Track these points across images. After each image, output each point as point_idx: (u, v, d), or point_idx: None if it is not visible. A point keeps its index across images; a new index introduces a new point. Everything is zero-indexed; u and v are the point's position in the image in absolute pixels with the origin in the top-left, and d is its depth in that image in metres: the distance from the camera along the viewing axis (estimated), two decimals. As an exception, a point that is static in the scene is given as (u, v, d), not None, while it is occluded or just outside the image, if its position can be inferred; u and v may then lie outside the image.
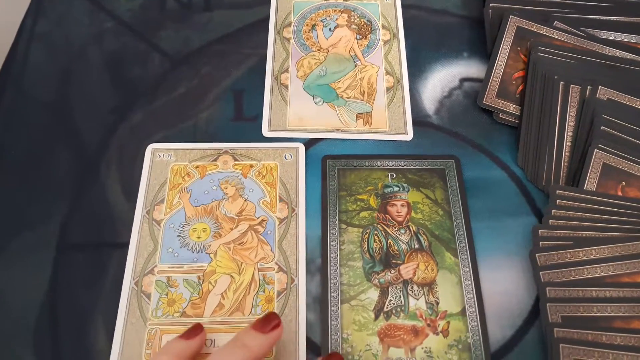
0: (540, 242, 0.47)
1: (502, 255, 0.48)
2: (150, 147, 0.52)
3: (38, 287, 0.46)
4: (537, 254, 0.46)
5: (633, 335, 0.43)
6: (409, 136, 0.54)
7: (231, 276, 0.46)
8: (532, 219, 0.50)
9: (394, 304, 0.46)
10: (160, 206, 0.49)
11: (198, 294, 0.45)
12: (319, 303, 0.45)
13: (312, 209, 0.50)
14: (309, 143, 0.53)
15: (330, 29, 0.61)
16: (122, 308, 0.44)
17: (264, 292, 0.45)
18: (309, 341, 0.44)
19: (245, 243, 0.47)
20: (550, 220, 0.48)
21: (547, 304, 0.44)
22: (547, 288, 0.45)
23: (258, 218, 0.49)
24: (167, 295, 0.45)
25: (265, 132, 0.54)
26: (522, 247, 0.48)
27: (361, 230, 0.49)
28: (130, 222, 0.48)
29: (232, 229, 0.48)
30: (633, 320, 0.43)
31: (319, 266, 0.47)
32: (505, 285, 0.47)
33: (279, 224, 0.48)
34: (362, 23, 0.61)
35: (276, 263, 0.46)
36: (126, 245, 0.47)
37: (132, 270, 0.46)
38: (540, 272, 0.45)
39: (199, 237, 0.47)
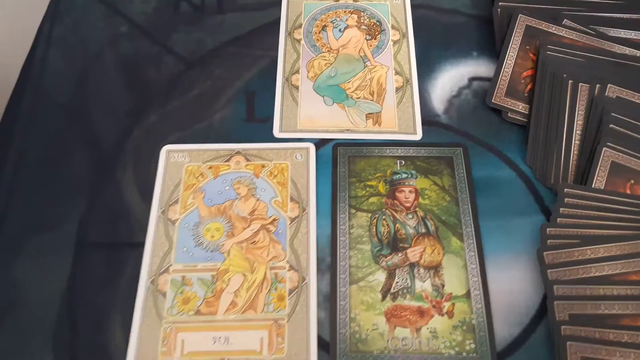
0: (548, 241, 0.47)
1: (510, 253, 0.49)
2: (165, 149, 0.53)
3: (57, 285, 0.47)
4: (544, 252, 0.47)
5: (640, 332, 0.43)
6: (418, 135, 0.55)
7: (244, 275, 0.47)
8: (540, 217, 0.50)
9: (400, 285, 0.47)
10: (175, 206, 0.50)
11: (212, 293, 0.46)
12: (329, 283, 0.47)
13: (323, 209, 0.51)
14: (319, 143, 0.54)
15: (340, 30, 0.61)
16: (139, 306, 0.46)
17: (275, 290, 0.46)
18: (319, 339, 0.45)
19: (257, 242, 0.48)
20: (558, 219, 0.48)
21: (555, 302, 0.44)
22: (555, 286, 0.45)
23: (270, 217, 0.50)
24: (182, 293, 0.46)
25: (277, 132, 0.55)
26: (530, 245, 0.48)
27: (370, 215, 0.50)
28: (146, 222, 0.49)
29: (244, 229, 0.49)
30: (640, 318, 0.44)
31: (329, 264, 0.48)
32: (512, 284, 0.47)
33: (290, 224, 0.49)
34: (372, 23, 0.62)
35: (287, 262, 0.48)
36: (142, 244, 0.48)
37: (148, 269, 0.47)
38: (548, 271, 0.46)
39: (212, 237, 0.49)
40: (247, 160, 0.53)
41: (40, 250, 0.49)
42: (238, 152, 0.53)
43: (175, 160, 0.53)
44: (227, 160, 0.53)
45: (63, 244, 0.49)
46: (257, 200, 0.51)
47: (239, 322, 0.45)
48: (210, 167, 0.52)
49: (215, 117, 0.56)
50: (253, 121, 0.56)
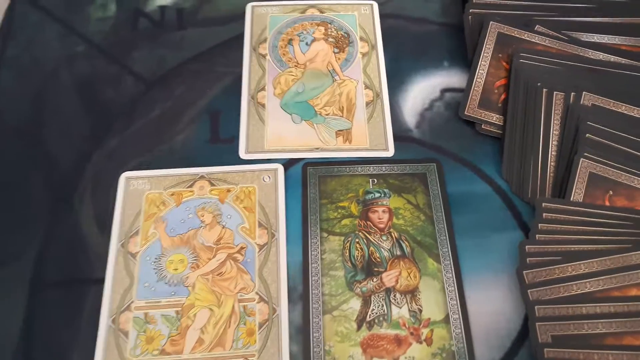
0: (528, 259, 0.45)
1: (489, 273, 0.47)
2: (124, 176, 0.50)
3: (11, 327, 0.44)
4: (524, 271, 0.45)
5: (625, 352, 0.41)
6: (390, 152, 0.53)
7: (210, 309, 0.44)
8: (518, 233, 0.49)
9: (376, 313, 0.45)
10: (135, 238, 0.47)
11: (177, 330, 0.44)
12: (301, 314, 0.45)
13: (293, 234, 0.48)
14: (288, 164, 0.52)
15: (307, 44, 0.59)
16: (100, 347, 0.43)
17: (245, 324, 0.44)
18: (292, 374, 0.43)
19: (224, 273, 0.46)
20: (537, 235, 0.46)
21: (537, 324, 0.43)
22: (536, 307, 0.43)
23: (237, 246, 0.47)
24: (145, 332, 0.44)
25: (243, 154, 0.52)
26: (509, 264, 0.47)
27: (342, 238, 0.48)
28: (105, 255, 0.47)
29: (210, 259, 0.47)
30: (625, 336, 0.42)
31: (301, 294, 0.46)
32: (492, 305, 0.45)
33: (259, 251, 0.47)
34: (340, 36, 0.60)
35: (257, 293, 0.45)
36: (101, 280, 0.46)
37: (108, 307, 0.44)
38: (528, 290, 0.44)
39: (175, 269, 0.46)
40: (212, 184, 0.50)
41: (-7, 290, 0.46)
42: (202, 177, 0.51)
43: (134, 187, 0.50)
44: (190, 186, 0.50)
45: (17, 282, 0.46)
46: (223, 227, 0.48)
47: (206, 361, 0.43)
48: (172, 194, 0.50)
49: (178, 139, 0.53)
50: (217, 142, 0.53)
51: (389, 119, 0.54)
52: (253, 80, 0.57)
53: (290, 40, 0.59)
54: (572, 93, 0.51)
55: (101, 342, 0.43)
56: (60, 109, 0.56)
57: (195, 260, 0.46)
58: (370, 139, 0.53)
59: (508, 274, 0.46)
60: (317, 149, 0.53)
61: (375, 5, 0.62)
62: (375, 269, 0.47)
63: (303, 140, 0.53)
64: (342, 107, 0.55)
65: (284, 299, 0.45)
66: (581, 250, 0.45)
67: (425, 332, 0.44)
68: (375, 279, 0.46)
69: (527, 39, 0.56)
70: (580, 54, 0.55)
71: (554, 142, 0.51)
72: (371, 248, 0.48)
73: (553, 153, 0.50)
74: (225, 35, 0.60)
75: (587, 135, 0.49)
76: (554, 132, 0.51)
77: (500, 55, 0.56)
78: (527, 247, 0.46)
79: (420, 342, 0.44)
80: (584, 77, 0.53)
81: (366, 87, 0.56)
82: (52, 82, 0.58)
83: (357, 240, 0.48)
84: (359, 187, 0.51)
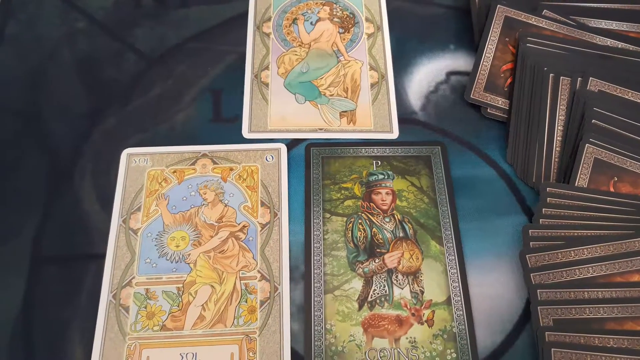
0: (531, 243, 0.45)
1: (492, 256, 0.47)
2: (126, 152, 0.50)
3: (11, 303, 0.44)
4: (527, 255, 0.45)
5: (626, 337, 0.41)
6: (395, 134, 0.52)
7: (212, 286, 0.44)
8: (522, 218, 0.48)
9: (378, 293, 0.45)
10: (137, 214, 0.47)
11: (178, 306, 0.43)
12: (303, 293, 0.45)
13: (295, 214, 0.48)
14: (291, 144, 0.51)
15: (311, 23, 0.58)
16: (100, 323, 0.43)
17: (246, 302, 0.44)
18: (293, 353, 0.42)
19: (226, 251, 0.46)
20: (541, 219, 0.46)
21: (538, 307, 0.43)
22: (538, 290, 0.43)
23: (239, 224, 0.47)
24: (146, 308, 0.43)
25: (246, 133, 0.52)
26: (512, 248, 0.47)
27: (345, 219, 0.48)
28: (106, 232, 0.46)
29: (212, 237, 0.46)
30: (626, 322, 0.42)
31: (303, 273, 0.45)
32: (494, 289, 0.45)
33: (261, 230, 0.47)
34: (345, 16, 0.59)
35: (259, 271, 0.45)
36: (102, 256, 0.45)
37: (109, 283, 0.44)
38: (531, 274, 0.44)
39: (177, 246, 0.46)
40: (214, 163, 0.50)
41: (-7, 265, 0.46)
42: (204, 155, 0.50)
43: (136, 164, 0.49)
44: (193, 164, 0.50)
45: (17, 258, 0.46)
46: (225, 206, 0.48)
47: (207, 337, 0.43)
48: (174, 172, 0.49)
49: (179, 118, 0.53)
50: (220, 121, 0.53)
51: (394, 101, 0.54)
52: (256, 59, 0.56)
53: (295, 19, 0.59)
54: (579, 78, 0.51)
55: (101, 317, 0.43)
56: (61, 86, 0.55)
57: (197, 237, 0.46)
58: (375, 120, 0.53)
59: (511, 257, 0.46)
60: (321, 129, 0.52)
61: (382, -13, 0.61)
62: (378, 250, 0.47)
63: (306, 120, 0.53)
64: (347, 88, 0.54)
65: (286, 278, 0.45)
66: (584, 235, 0.45)
67: (426, 313, 0.44)
68: (377, 260, 0.46)
69: (535, 23, 0.56)
70: (588, 39, 0.55)
71: (559, 127, 0.50)
72: (374, 229, 0.47)
73: (558, 138, 0.50)
74: (228, 13, 0.60)
75: (593, 121, 0.49)
76: (560, 117, 0.51)
77: (507, 39, 0.55)
78: (530, 231, 0.46)
79: (422, 323, 0.44)
80: (591, 63, 0.53)
81: (371, 68, 0.56)
82: (52, 59, 0.57)
83: (359, 221, 0.48)
84: (363, 169, 0.50)
